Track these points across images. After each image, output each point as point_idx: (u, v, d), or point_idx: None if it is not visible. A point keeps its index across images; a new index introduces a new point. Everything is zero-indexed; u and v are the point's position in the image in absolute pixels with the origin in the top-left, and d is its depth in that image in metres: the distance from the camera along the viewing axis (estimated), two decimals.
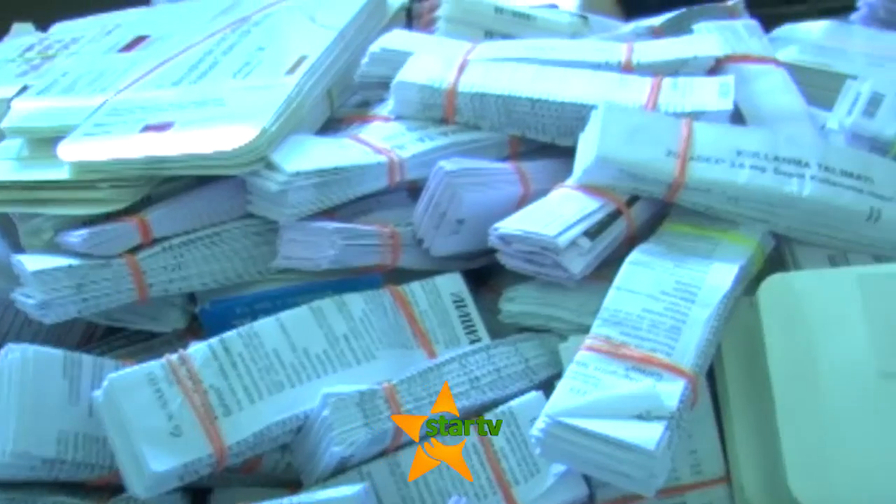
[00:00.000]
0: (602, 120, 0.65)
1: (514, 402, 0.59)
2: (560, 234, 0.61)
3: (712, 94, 0.70)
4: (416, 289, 0.64)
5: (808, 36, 0.94)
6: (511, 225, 0.62)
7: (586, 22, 0.86)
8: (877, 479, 0.55)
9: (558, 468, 0.57)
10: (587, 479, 0.58)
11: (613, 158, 0.64)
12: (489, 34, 0.84)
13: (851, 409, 0.57)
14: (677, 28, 0.83)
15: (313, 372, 0.59)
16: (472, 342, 0.64)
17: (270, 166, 0.64)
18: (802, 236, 0.65)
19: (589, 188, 0.65)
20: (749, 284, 0.63)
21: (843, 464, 0.56)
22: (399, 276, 0.67)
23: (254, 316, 0.63)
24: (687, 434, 0.59)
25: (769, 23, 0.98)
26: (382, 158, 0.67)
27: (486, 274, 0.71)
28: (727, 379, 0.60)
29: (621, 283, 0.60)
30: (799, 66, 0.83)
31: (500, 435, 0.59)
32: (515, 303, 0.64)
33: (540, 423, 0.54)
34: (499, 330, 0.66)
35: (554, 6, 1.11)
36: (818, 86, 0.81)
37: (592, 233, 0.62)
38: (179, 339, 0.68)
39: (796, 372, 0.58)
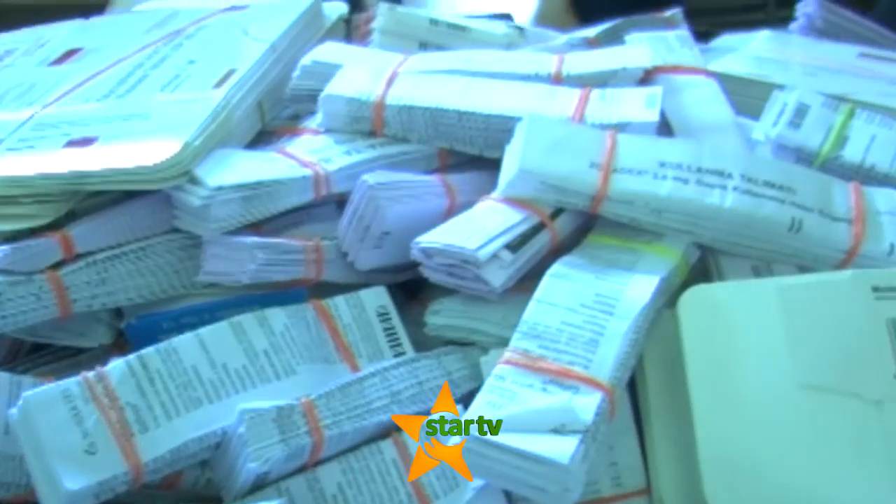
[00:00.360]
0: (525, 132, 0.65)
1: (433, 416, 0.59)
2: (481, 247, 0.61)
3: (639, 105, 0.70)
4: (339, 303, 0.64)
5: (745, 46, 0.95)
6: (432, 238, 0.62)
7: (522, 33, 0.86)
8: (794, 491, 0.55)
9: (478, 482, 0.57)
10: (507, 493, 0.57)
11: (536, 171, 0.64)
12: (424, 46, 0.84)
13: (770, 421, 0.57)
14: (612, 39, 0.84)
15: (232, 388, 0.58)
16: (397, 356, 0.63)
17: (193, 181, 0.64)
18: (726, 247, 0.65)
19: (513, 201, 0.65)
20: (673, 296, 0.62)
21: (760, 475, 0.56)
22: (329, 290, 0.67)
23: (180, 330, 0.63)
24: (607, 446, 0.59)
25: (728, 32, 0.99)
26: (308, 172, 0.67)
27: (415, 287, 0.70)
28: (648, 391, 0.60)
29: (541, 295, 0.59)
30: (734, 77, 0.83)
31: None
32: (440, 316, 0.64)
33: (456, 438, 0.54)
34: (427, 343, 0.65)
35: (508, 15, 1.12)
36: (752, 96, 0.81)
37: (514, 246, 0.62)
38: (107, 355, 0.67)
39: (715, 383, 0.58)
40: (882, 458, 0.56)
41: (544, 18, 1.33)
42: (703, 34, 1.00)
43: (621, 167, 0.64)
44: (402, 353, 0.64)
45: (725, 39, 1.00)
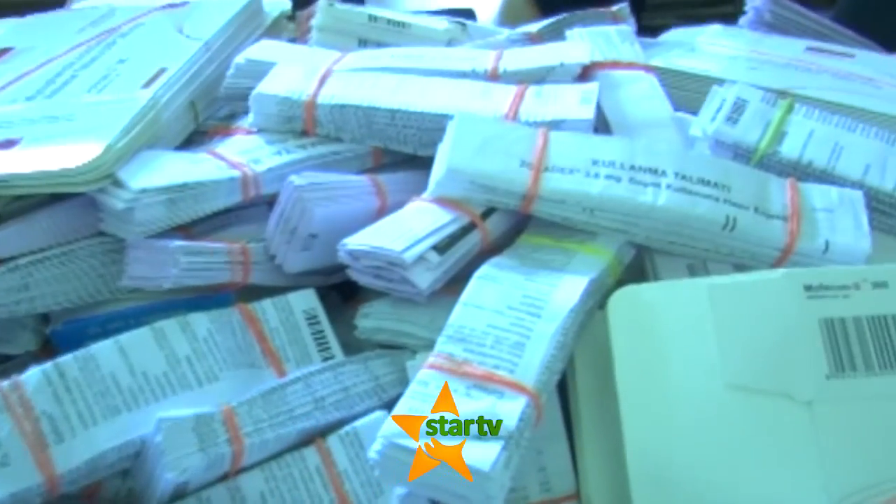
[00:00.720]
0: (454, 131, 0.64)
1: (358, 423, 0.58)
2: (407, 248, 0.59)
3: (574, 102, 0.69)
4: (266, 306, 0.62)
5: (694, 40, 0.93)
6: (359, 240, 0.61)
7: (465, 29, 0.85)
8: (724, 495, 0.54)
9: (402, 489, 0.55)
10: (432, 501, 0.56)
11: (465, 170, 0.62)
12: (363, 43, 0.83)
13: (698, 424, 0.56)
14: (555, 34, 0.82)
15: (151, 395, 0.57)
16: (326, 360, 0.62)
17: (117, 183, 0.63)
18: (661, 246, 0.64)
19: (443, 201, 0.63)
20: (606, 296, 0.61)
21: (689, 479, 0.55)
22: (260, 294, 0.65)
23: (107, 336, 0.61)
24: (536, 451, 0.58)
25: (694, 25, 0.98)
26: (235, 173, 0.65)
27: (352, 289, 0.69)
28: (578, 394, 0.59)
29: (467, 298, 0.58)
30: (675, 72, 0.82)
31: (344, 456, 0.57)
32: (370, 318, 0.63)
33: (377, 445, 0.52)
34: (363, 347, 0.64)
35: (470, 10, 1.11)
36: (695, 91, 0.80)
37: (442, 247, 0.61)
38: (36, 361, 0.65)
39: (643, 385, 0.57)
40: (813, 459, 0.55)
41: (509, 13, 1.32)
42: (661, 28, 0.99)
43: (553, 166, 0.63)
44: (331, 358, 0.62)
45: (675, 33, 0.99)
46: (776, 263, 0.63)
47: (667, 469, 0.55)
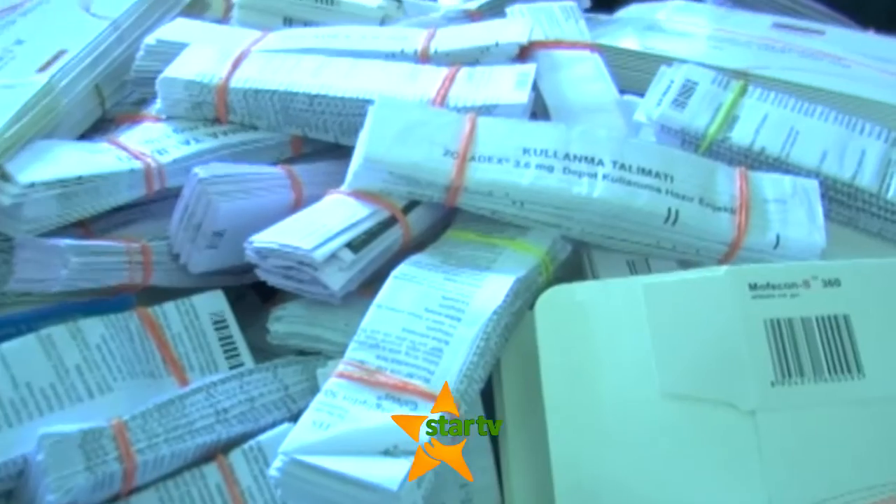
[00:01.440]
0: (373, 117, 0.62)
1: (263, 437, 0.56)
2: (318, 246, 0.57)
3: (509, 85, 0.67)
4: (169, 310, 0.61)
5: (652, 17, 0.92)
6: (267, 237, 0.59)
7: (400, 6, 0.83)
8: None
9: None
10: None
11: (383, 160, 0.61)
12: (288, 21, 0.81)
13: (632, 435, 0.54)
14: (495, 11, 0.80)
15: (36, 409, 0.55)
16: (234, 367, 0.60)
17: (4, 177, 0.60)
18: (599, 241, 0.62)
19: (361, 194, 0.62)
20: (538, 296, 0.59)
21: (621, 496, 0.53)
22: (166, 296, 0.63)
23: None
24: None
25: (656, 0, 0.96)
26: (137, 165, 0.63)
27: (273, 289, 0.67)
28: (505, 403, 0.58)
29: (382, 300, 0.56)
30: (624, 51, 0.80)
31: (248, 473, 0.55)
32: (282, 322, 0.61)
33: (277, 462, 0.51)
34: (279, 353, 0.62)
35: None
36: (647, 72, 0.78)
37: (357, 244, 0.59)
38: None
39: (572, 394, 0.55)
40: (756, 474, 0.53)
41: None
42: (620, 4, 0.97)
43: (480, 155, 0.61)
44: (240, 365, 0.61)
45: (634, 9, 0.97)
46: (723, 259, 0.62)
47: (596, 485, 0.53)
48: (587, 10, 0.88)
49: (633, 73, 0.77)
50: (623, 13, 0.95)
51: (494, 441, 0.58)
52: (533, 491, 0.56)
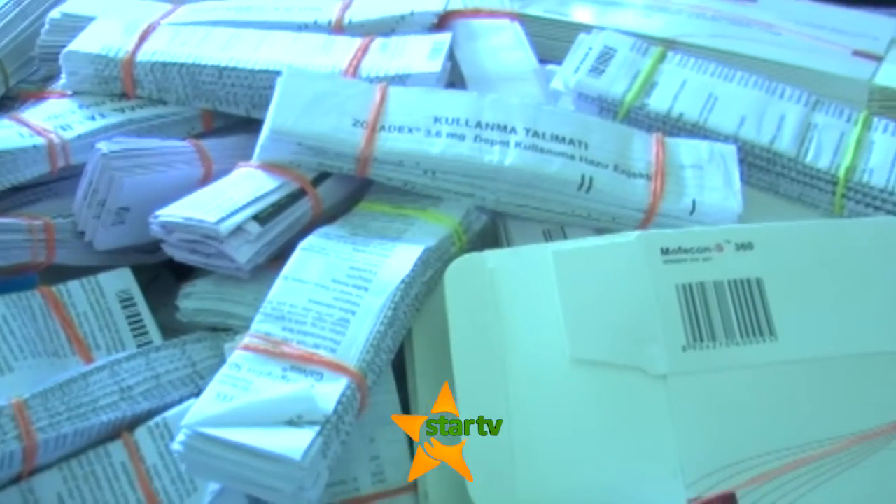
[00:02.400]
0: (281, 88, 0.64)
1: (168, 413, 0.58)
2: (223, 219, 0.60)
3: (422, 55, 0.69)
4: (74, 288, 0.63)
5: None
6: (172, 211, 0.61)
7: None
8: (569, 478, 0.55)
9: (216, 485, 0.56)
10: (254, 497, 0.56)
11: (291, 131, 0.63)
12: None
13: (542, 402, 0.56)
14: None
15: None
16: (142, 346, 0.62)
17: None
18: (513, 210, 0.65)
19: (270, 166, 0.64)
20: None
21: (530, 464, 0.55)
22: (74, 274, 0.65)
23: None
24: (368, 439, 0.58)
25: None
26: (40, 141, 0.65)
27: (189, 267, 0.69)
28: (416, 374, 0.60)
29: (289, 271, 0.59)
30: (549, 20, 0.82)
31: (154, 450, 0.57)
32: (192, 299, 0.63)
33: (181, 436, 0.53)
34: (192, 331, 0.64)
35: None
36: (569, 41, 0.80)
37: (264, 217, 0.61)
38: None
39: (482, 362, 0.57)
40: (668, 439, 0.55)
41: None
42: None
43: (390, 124, 0.64)
44: (148, 343, 0.62)
45: None
46: (640, 226, 0.65)
47: (506, 455, 0.55)
48: None
49: (556, 43, 0.80)
50: None
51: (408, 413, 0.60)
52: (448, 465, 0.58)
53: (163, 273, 0.72)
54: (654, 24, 0.85)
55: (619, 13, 0.88)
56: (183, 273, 0.70)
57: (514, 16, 0.77)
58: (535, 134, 0.64)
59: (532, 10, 0.84)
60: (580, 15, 0.87)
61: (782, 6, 0.92)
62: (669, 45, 0.80)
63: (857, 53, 0.84)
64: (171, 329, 0.66)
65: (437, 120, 0.64)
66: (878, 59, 0.83)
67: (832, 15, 0.91)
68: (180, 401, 0.60)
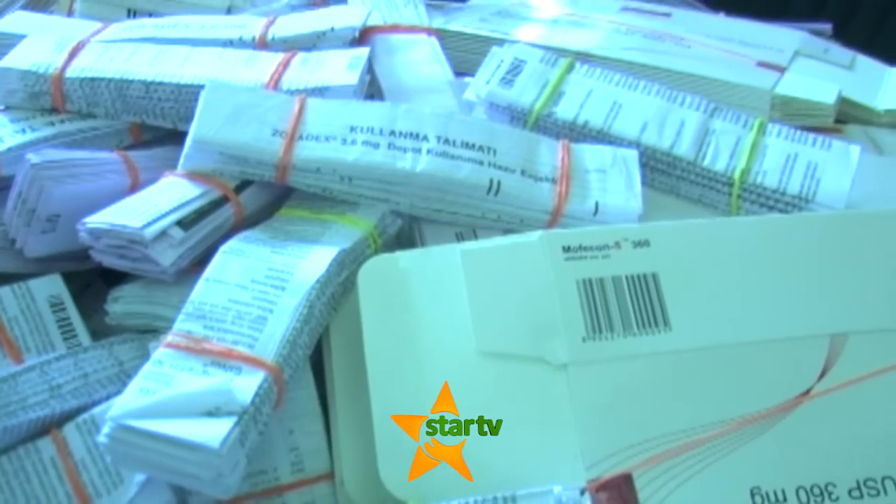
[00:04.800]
0: (203, 100, 0.68)
1: (96, 409, 0.61)
2: (147, 224, 0.63)
3: (341, 68, 0.73)
4: (5, 293, 0.65)
5: (506, 4, 0.99)
6: (99, 218, 0.64)
7: None
8: (477, 463, 0.58)
9: (141, 476, 0.59)
10: (178, 487, 0.59)
11: (212, 141, 0.66)
12: (132, 13, 0.86)
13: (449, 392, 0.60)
14: None
15: None
16: (72, 348, 0.65)
17: None
18: (427, 214, 0.68)
19: (195, 175, 0.67)
20: None
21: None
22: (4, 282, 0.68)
23: None
24: (287, 431, 0.61)
25: None
26: None
27: (119, 275, 0.72)
28: (333, 369, 0.63)
29: (211, 273, 0.62)
30: (466, 35, 0.87)
31: (81, 445, 0.60)
32: (120, 303, 0.66)
33: (105, 428, 0.55)
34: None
35: None
36: (485, 54, 0.84)
37: (187, 222, 0.64)
38: None
39: (393, 357, 0.60)
40: (570, 424, 0.59)
41: None
42: None
43: (307, 134, 0.67)
44: (79, 345, 0.65)
45: None
46: (547, 227, 0.68)
47: (416, 443, 0.58)
48: None
49: (473, 56, 0.84)
50: (475, 0, 1.02)
51: (326, 406, 0.63)
52: (362, 453, 0.61)
53: (95, 281, 0.75)
54: (570, 38, 0.90)
55: (536, 28, 0.93)
56: (114, 281, 0.73)
57: (431, 31, 0.81)
58: (446, 141, 0.68)
59: (452, 26, 0.88)
60: (499, 30, 0.90)
61: (694, 21, 0.97)
62: (584, 58, 0.84)
63: (761, 64, 0.88)
64: (103, 334, 0.68)
65: (352, 129, 0.68)
66: (782, 69, 0.88)
67: (741, 29, 0.95)
68: (108, 398, 0.62)
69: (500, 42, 0.82)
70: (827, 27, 1.04)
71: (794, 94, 0.84)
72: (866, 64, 0.95)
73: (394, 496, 0.56)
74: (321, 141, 0.67)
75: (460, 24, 0.91)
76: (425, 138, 0.67)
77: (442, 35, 0.85)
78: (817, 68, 0.91)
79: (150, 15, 0.86)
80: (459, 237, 0.68)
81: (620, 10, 0.98)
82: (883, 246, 0.64)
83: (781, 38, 0.94)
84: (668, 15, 0.98)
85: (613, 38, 0.91)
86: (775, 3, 1.13)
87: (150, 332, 0.66)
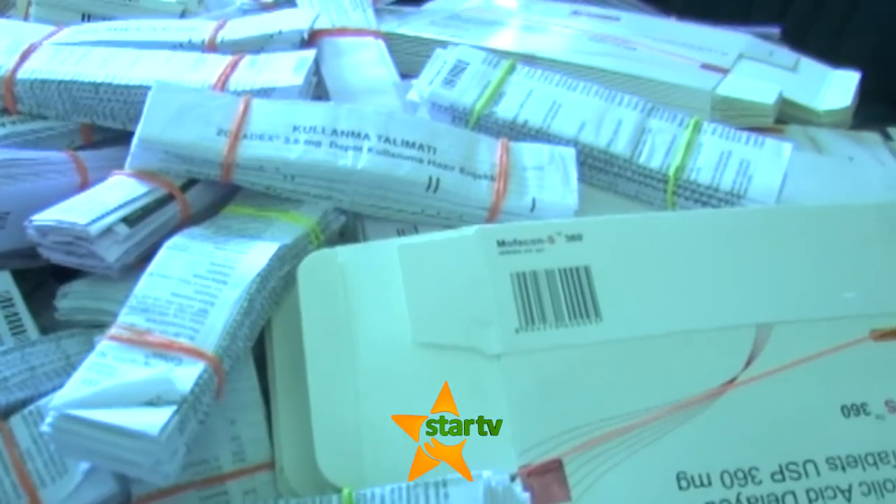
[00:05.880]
0: (150, 101, 0.69)
1: (41, 401, 0.63)
2: (93, 221, 0.64)
3: (287, 69, 0.75)
4: None
5: (457, 8, 1.01)
6: (46, 216, 0.65)
7: (201, 1, 0.91)
8: (407, 450, 0.60)
9: (85, 465, 0.61)
10: (122, 475, 0.61)
11: (158, 140, 0.68)
12: (87, 17, 0.88)
13: (385, 382, 0.61)
14: (289, 2, 0.88)
15: None
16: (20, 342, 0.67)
17: None
18: (369, 211, 0.70)
19: (141, 174, 0.69)
20: None
21: (375, 439, 0.60)
22: None
23: None
24: (229, 421, 0.63)
25: None
26: None
27: (71, 273, 0.73)
28: (275, 361, 0.65)
29: (155, 268, 0.64)
30: (415, 38, 0.89)
31: (27, 436, 0.62)
32: (69, 298, 0.68)
33: (49, 418, 0.57)
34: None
35: None
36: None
37: (133, 219, 0.66)
38: None
39: (332, 348, 0.62)
40: (503, 412, 0.61)
41: None
42: None
43: (251, 133, 0.69)
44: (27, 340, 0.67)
45: (441, 1, 1.06)
46: (486, 223, 0.70)
47: (353, 431, 0.60)
48: (395, 2, 0.96)
49: (422, 59, 0.86)
50: (430, 5, 1.04)
51: (268, 398, 0.65)
52: (301, 442, 0.63)
53: (48, 280, 0.77)
54: (517, 41, 0.92)
55: (486, 32, 0.95)
56: (67, 280, 0.75)
57: (378, 34, 0.83)
58: (387, 140, 0.70)
59: (402, 29, 0.90)
60: (448, 34, 0.92)
61: (641, 24, 0.99)
62: (530, 60, 0.86)
63: (705, 66, 0.90)
64: (54, 330, 0.70)
65: (295, 128, 0.69)
66: (725, 71, 0.90)
67: (688, 32, 0.98)
68: (54, 390, 0.63)
69: (445, 45, 0.84)
70: (775, 31, 1.06)
71: (735, 94, 0.86)
72: (810, 66, 0.97)
73: (330, 483, 0.58)
74: (265, 140, 0.69)
75: (411, 27, 0.92)
76: (367, 137, 0.69)
77: (391, 38, 0.87)
78: (761, 70, 0.93)
79: (105, 19, 0.87)
80: (401, 233, 0.70)
81: (571, 14, 1.01)
82: (808, 239, 0.66)
83: (727, 41, 0.96)
84: (617, 19, 1.00)
85: (561, 42, 0.93)
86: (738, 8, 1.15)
87: (98, 326, 0.68)
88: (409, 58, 0.87)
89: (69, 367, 0.65)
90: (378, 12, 0.94)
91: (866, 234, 0.67)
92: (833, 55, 0.99)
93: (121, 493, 0.61)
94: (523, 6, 1.03)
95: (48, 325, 0.70)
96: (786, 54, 0.97)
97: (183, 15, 0.89)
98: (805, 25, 1.24)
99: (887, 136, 0.92)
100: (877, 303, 0.65)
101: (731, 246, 0.66)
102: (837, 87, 0.93)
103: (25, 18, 0.90)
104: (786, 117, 0.90)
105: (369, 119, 0.71)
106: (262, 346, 0.66)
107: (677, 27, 1.00)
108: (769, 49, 0.97)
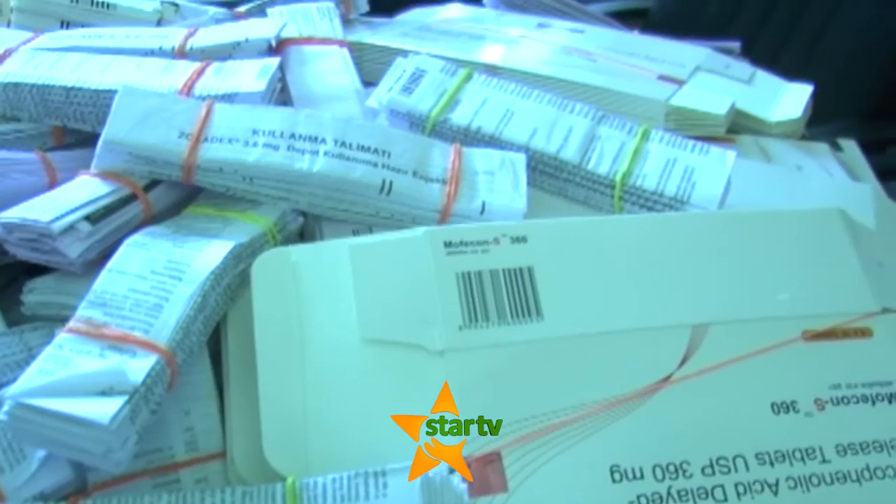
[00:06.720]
0: (116, 104, 0.70)
1: (3, 390, 0.63)
2: (56, 219, 0.65)
3: (251, 76, 0.76)
4: None
5: (428, 19, 1.02)
6: (12, 214, 0.66)
7: (178, 10, 0.92)
8: (356, 446, 0.60)
9: (42, 453, 0.61)
10: (77, 463, 0.62)
11: (122, 142, 0.69)
12: (66, 24, 0.89)
13: (333, 377, 0.62)
14: (260, 12, 0.89)
15: None
16: None
17: None
18: (325, 212, 0.71)
19: (106, 174, 0.70)
20: None
21: (321, 431, 0.61)
22: None
23: None
24: (183, 412, 0.64)
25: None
26: None
27: (42, 269, 0.74)
28: (229, 355, 0.65)
29: (114, 265, 0.64)
30: (379, 47, 0.90)
31: None
32: (34, 293, 0.68)
33: (5, 407, 0.58)
34: None
35: None
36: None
37: (95, 217, 0.67)
38: None
39: (282, 344, 0.63)
40: None
41: None
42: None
43: (212, 136, 0.70)
44: None
45: (413, 13, 1.07)
46: (437, 225, 0.71)
47: (300, 424, 0.61)
48: (368, 13, 0.97)
49: (387, 68, 0.87)
50: (402, 16, 1.05)
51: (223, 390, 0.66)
52: (252, 433, 0.63)
53: (20, 276, 0.77)
54: (481, 52, 0.93)
55: (452, 42, 0.96)
56: (35, 274, 0.76)
57: (343, 43, 0.84)
58: (343, 144, 0.71)
59: (371, 39, 0.91)
60: (415, 44, 0.93)
61: (604, 37, 1.00)
62: (492, 70, 0.87)
63: (661, 77, 0.91)
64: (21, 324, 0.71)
65: (255, 132, 0.70)
66: (681, 83, 0.91)
67: (648, 45, 0.99)
68: (14, 381, 0.65)
69: (406, 53, 0.84)
70: (735, 45, 1.07)
71: (688, 105, 0.87)
72: (765, 79, 0.98)
73: (277, 472, 0.59)
74: (224, 143, 0.69)
75: (381, 37, 0.93)
76: (323, 141, 0.70)
77: (360, 48, 0.88)
78: (716, 82, 0.94)
79: (83, 27, 0.88)
80: (356, 234, 0.71)
81: (537, 26, 1.01)
82: (744, 243, 0.67)
83: (685, 53, 0.97)
84: (581, 31, 1.01)
85: (525, 53, 0.94)
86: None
87: (63, 321, 0.68)
88: (376, 66, 0.87)
89: (30, 359, 0.65)
90: (351, 22, 0.96)
91: (800, 239, 0.68)
92: (804, 71, 1.00)
93: (77, 479, 0.62)
94: (491, 18, 1.03)
95: (17, 319, 0.71)
96: (742, 67, 0.98)
97: (159, 23, 0.89)
98: (779, 44, 1.25)
99: (838, 147, 0.93)
100: (809, 304, 0.65)
101: (670, 249, 0.67)
102: (790, 99, 0.94)
103: (7, 26, 0.90)
104: (738, 128, 0.91)
105: (327, 124, 0.71)
106: (218, 340, 0.66)
107: (639, 40, 1.01)
108: (726, 62, 0.98)
